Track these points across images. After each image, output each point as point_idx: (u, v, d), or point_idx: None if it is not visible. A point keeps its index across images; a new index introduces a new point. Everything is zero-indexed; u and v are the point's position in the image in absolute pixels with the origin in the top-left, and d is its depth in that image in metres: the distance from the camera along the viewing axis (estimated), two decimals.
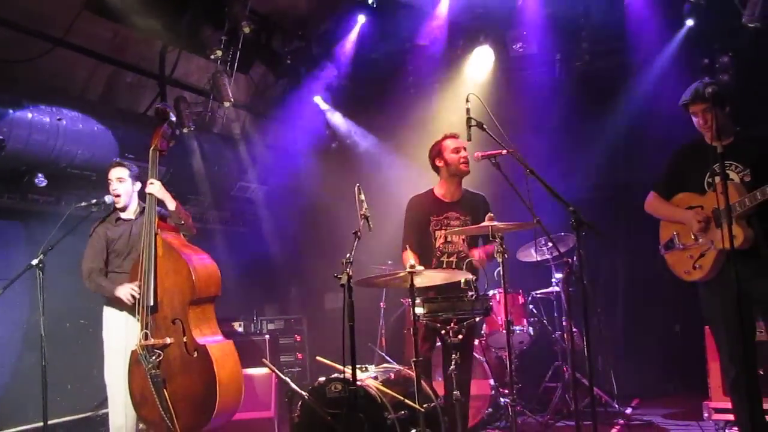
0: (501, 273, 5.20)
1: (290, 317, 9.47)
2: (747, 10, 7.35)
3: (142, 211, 6.05)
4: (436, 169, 6.18)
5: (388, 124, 10.02)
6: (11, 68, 6.82)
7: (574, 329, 6.89)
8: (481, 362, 7.00)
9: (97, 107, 7.53)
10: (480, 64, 9.57)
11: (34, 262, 5.56)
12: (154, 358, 5.63)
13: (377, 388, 5.20)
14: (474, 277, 5.37)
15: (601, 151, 8.98)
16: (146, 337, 5.66)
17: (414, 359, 5.03)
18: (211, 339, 5.87)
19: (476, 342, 6.71)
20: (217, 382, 5.62)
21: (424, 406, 5.00)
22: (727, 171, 4.85)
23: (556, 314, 8.00)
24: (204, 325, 5.90)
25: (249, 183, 9.64)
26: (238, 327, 8.57)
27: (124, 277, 6.02)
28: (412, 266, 5.02)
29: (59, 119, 6.81)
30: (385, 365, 6.16)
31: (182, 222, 6.07)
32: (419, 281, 5.11)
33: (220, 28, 8.02)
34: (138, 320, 5.73)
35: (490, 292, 6.98)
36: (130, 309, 5.89)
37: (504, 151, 5.04)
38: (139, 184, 6.07)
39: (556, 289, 7.87)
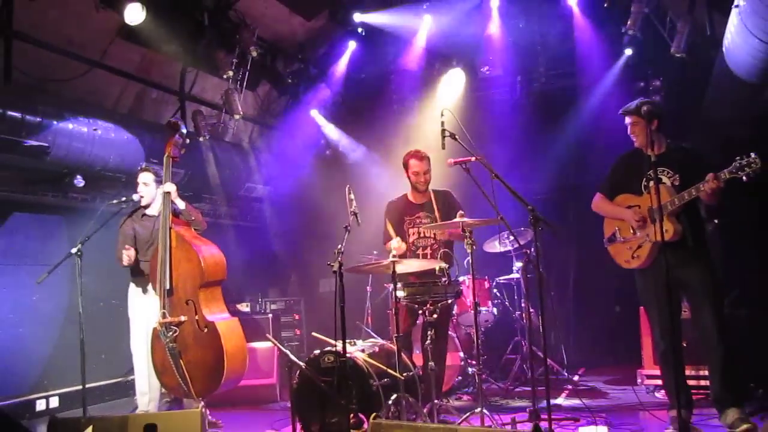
0: (470, 262, 5.25)
1: (290, 299, 9.44)
2: (674, 43, 7.43)
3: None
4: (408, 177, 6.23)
5: (375, 135, 10.02)
6: (56, 86, 6.81)
7: (531, 310, 6.90)
8: (453, 338, 7.01)
9: (126, 119, 7.50)
10: (453, 84, 9.59)
11: (74, 250, 5.58)
12: (171, 333, 5.68)
13: (364, 360, 5.23)
14: (447, 266, 5.42)
15: (554, 159, 9.00)
16: (164, 316, 5.72)
17: (395, 335, 5.09)
18: (219, 316, 5.91)
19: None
20: (224, 353, 5.68)
21: (404, 374, 5.04)
22: (660, 176, 4.92)
23: (516, 297, 8.01)
24: (213, 304, 5.95)
25: (255, 184, 9.62)
26: (245, 307, 8.55)
27: (146, 265, 6.12)
28: (395, 255, 5.07)
29: (95, 129, 6.79)
30: (371, 340, 6.16)
31: (192, 218, 6.12)
32: (400, 268, 5.15)
33: (231, 52, 8.03)
34: (158, 298, 5.81)
35: (460, 278, 6.98)
36: (151, 286, 5.97)
37: (473, 158, 5.06)
38: (160, 187, 6.10)
39: (517, 275, 7.87)
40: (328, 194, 9.19)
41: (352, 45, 9.41)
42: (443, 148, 5.05)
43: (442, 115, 5.06)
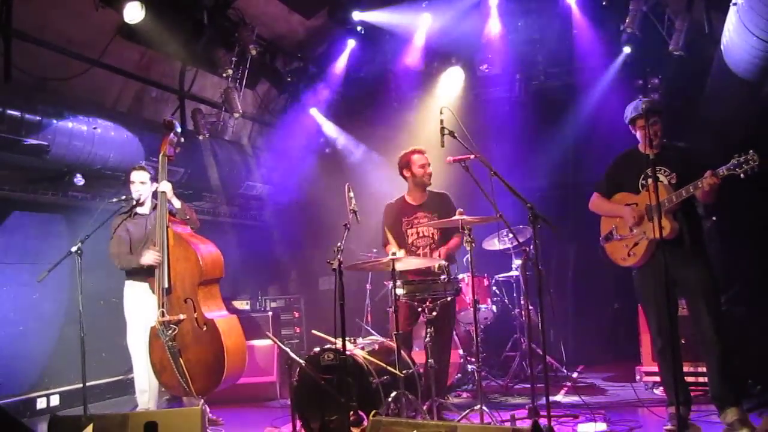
0: (469, 259, 5.26)
1: (290, 297, 9.44)
2: (672, 41, 7.45)
3: (154, 207, 6.07)
4: (404, 177, 6.24)
5: (374, 133, 10.01)
6: (55, 85, 6.80)
7: (530, 307, 6.90)
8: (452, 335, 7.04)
9: (126, 118, 7.50)
10: (452, 83, 9.59)
11: (74, 249, 5.57)
12: (170, 332, 5.67)
13: (364, 357, 5.24)
14: (446, 263, 5.43)
15: (553, 156, 9.00)
16: (163, 315, 5.71)
17: (395, 332, 5.10)
18: (218, 314, 5.91)
19: None
20: (224, 351, 5.67)
21: (404, 372, 5.05)
22: (658, 174, 4.93)
23: (515, 294, 8.01)
24: (211, 302, 5.95)
25: (255, 182, 9.62)
26: (245, 305, 8.55)
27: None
28: (394, 253, 5.08)
29: (95, 128, 6.79)
30: (371, 338, 6.17)
31: (188, 217, 6.13)
32: (399, 266, 5.16)
33: (231, 51, 8.02)
34: (155, 297, 5.79)
35: (460, 276, 7.00)
36: (148, 285, 5.96)
37: (472, 156, 5.07)
38: (155, 185, 6.10)
39: (516, 273, 7.87)
40: (327, 192, 9.20)
41: (351, 43, 9.39)
42: (442, 145, 5.05)
43: (441, 113, 5.05)
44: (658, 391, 6.33)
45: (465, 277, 6.93)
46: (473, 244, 5.16)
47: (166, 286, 5.76)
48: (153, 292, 5.87)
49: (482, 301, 7.50)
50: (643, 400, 6.06)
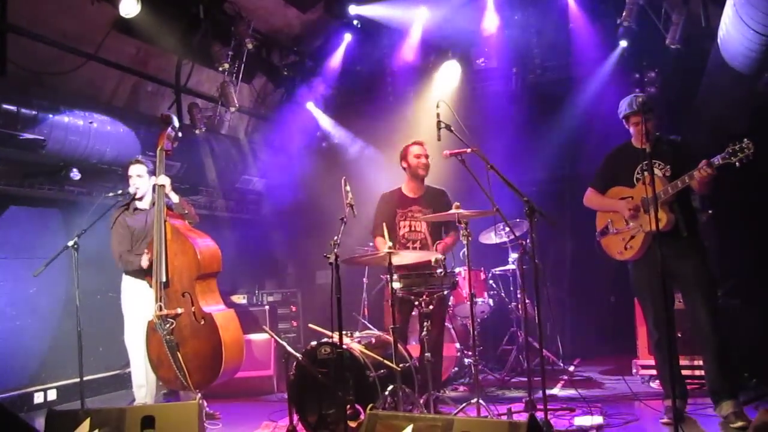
0: (465, 253, 5.25)
1: (287, 291, 9.43)
2: (669, 35, 7.46)
3: (154, 203, 6.07)
4: (403, 168, 6.23)
5: (371, 127, 9.97)
6: (51, 79, 6.78)
7: (527, 300, 6.92)
8: (449, 329, 7.04)
9: (122, 112, 7.48)
10: (448, 76, 9.56)
11: (70, 243, 5.58)
12: (168, 326, 5.68)
13: (360, 351, 5.24)
14: (443, 257, 5.42)
15: (550, 150, 8.96)
16: (161, 309, 5.71)
17: (391, 326, 5.10)
18: (216, 308, 5.92)
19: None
20: (222, 344, 5.68)
21: (400, 366, 5.03)
22: (653, 167, 4.93)
23: (512, 288, 8.05)
24: (209, 296, 5.95)
25: (251, 177, 9.62)
26: (242, 299, 8.55)
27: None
28: (390, 247, 5.07)
29: (91, 122, 6.78)
30: (367, 331, 6.17)
31: (186, 211, 6.13)
32: (396, 260, 5.16)
33: (227, 45, 8.00)
34: (153, 291, 5.80)
35: (456, 270, 7.02)
36: (146, 280, 5.96)
37: (468, 150, 5.06)
38: (153, 179, 6.09)
39: (512, 266, 7.90)
40: (324, 186, 9.17)
41: (347, 37, 9.37)
42: (439, 139, 5.05)
43: (437, 106, 5.05)
44: (655, 385, 6.35)
45: (462, 271, 6.92)
46: (470, 238, 5.16)
47: (164, 280, 5.76)
48: (150, 286, 5.87)
49: (479, 295, 7.48)
50: (640, 393, 6.06)
